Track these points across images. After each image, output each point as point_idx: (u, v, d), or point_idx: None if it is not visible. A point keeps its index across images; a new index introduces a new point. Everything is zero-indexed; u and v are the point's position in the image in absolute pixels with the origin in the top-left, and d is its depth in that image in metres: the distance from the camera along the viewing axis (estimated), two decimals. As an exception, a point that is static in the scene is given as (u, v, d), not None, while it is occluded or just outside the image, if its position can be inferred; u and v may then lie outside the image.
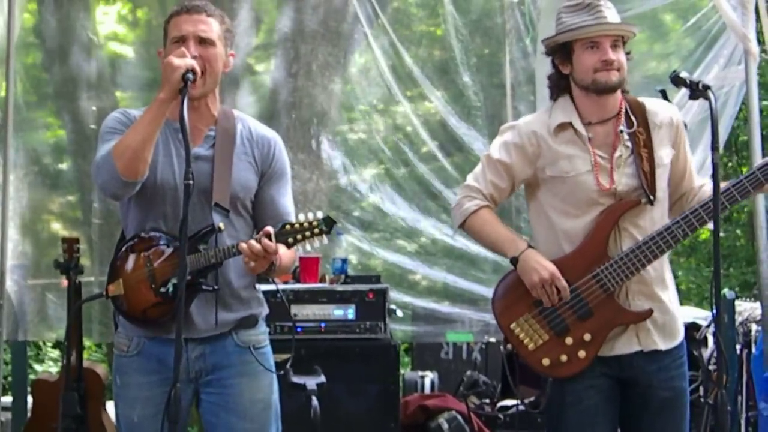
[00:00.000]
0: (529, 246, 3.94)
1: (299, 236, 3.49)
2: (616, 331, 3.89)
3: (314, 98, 7.78)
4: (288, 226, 3.50)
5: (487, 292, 7.24)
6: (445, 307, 7.39)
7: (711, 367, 5.44)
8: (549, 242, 3.98)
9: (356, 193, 7.74)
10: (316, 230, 3.49)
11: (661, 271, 3.97)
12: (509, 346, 3.97)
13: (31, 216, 7.47)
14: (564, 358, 3.89)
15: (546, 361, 3.90)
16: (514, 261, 3.92)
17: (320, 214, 3.51)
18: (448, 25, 7.46)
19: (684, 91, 4.11)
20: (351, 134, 8.04)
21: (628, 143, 3.92)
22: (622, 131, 3.93)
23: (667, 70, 6.57)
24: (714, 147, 3.65)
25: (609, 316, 3.87)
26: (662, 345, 3.93)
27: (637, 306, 3.90)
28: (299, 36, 7.77)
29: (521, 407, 5.91)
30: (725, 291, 6.41)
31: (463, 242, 7.46)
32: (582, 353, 3.87)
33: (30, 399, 6.22)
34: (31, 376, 7.50)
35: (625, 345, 3.90)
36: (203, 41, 3.65)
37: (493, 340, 7.17)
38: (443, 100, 7.51)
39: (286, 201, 3.83)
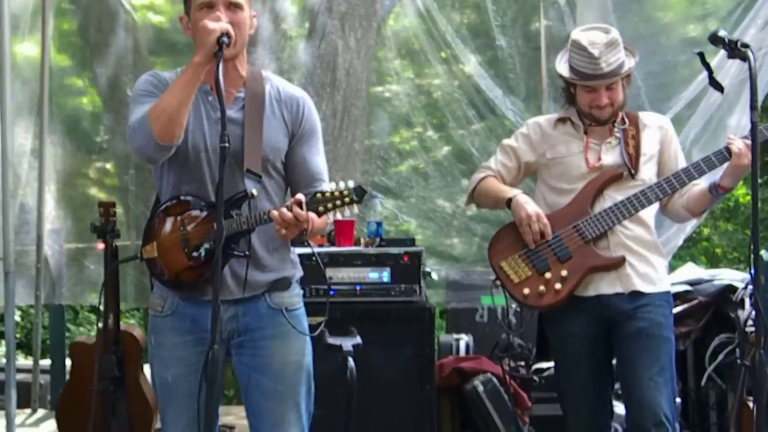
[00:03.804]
0: (524, 193, 4.60)
1: (330, 205, 3.50)
2: (599, 276, 4.48)
3: (348, 62, 7.75)
4: (318, 195, 3.50)
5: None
6: (479, 272, 7.38)
7: (748, 329, 5.41)
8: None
9: (389, 157, 7.73)
10: (347, 199, 3.49)
11: (642, 231, 4.54)
12: (497, 282, 4.59)
13: (67, 181, 7.52)
14: (542, 289, 4.49)
15: (526, 291, 4.51)
16: (509, 202, 4.58)
17: (351, 183, 3.51)
18: (483, -12, 7.41)
19: (722, 53, 4.13)
20: (384, 98, 8.02)
21: (618, 134, 4.58)
22: (614, 125, 4.58)
23: (704, 32, 6.49)
24: (753, 106, 3.65)
25: (585, 259, 4.47)
26: (642, 288, 4.47)
27: (616, 255, 4.49)
28: (332, 1, 7.74)
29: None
30: (762, 252, 6.38)
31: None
32: (558, 285, 4.47)
33: (68, 361, 6.27)
34: (69, 340, 7.55)
35: (608, 286, 4.48)
36: (232, 5, 3.65)
37: (528, 303, 7.15)
38: (478, 63, 7.47)
39: (318, 160, 3.83)
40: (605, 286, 4.48)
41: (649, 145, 4.59)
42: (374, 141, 7.85)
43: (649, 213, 4.59)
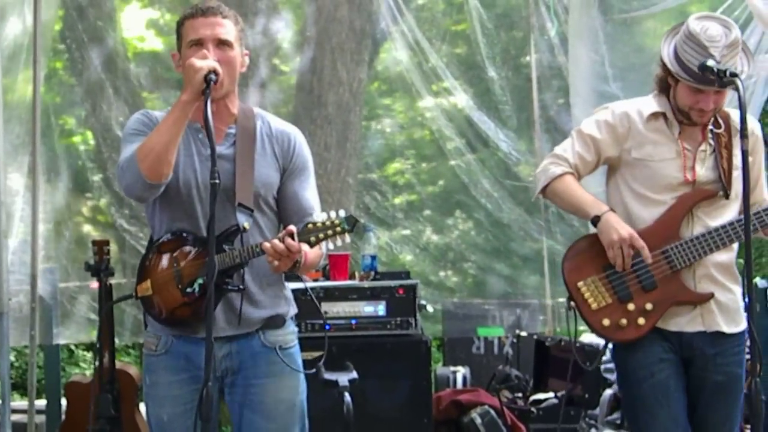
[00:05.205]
0: (612, 209, 4.11)
1: (321, 235, 3.49)
2: (681, 310, 4.07)
3: (340, 96, 7.78)
4: (310, 225, 3.50)
5: (516, 286, 7.24)
6: (474, 303, 7.37)
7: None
8: None
9: (383, 190, 7.74)
10: (338, 229, 3.49)
11: (727, 257, 4.12)
12: (572, 303, 4.13)
13: (61, 220, 7.50)
14: (624, 322, 4.06)
15: (606, 322, 4.07)
16: (596, 220, 4.09)
17: (342, 213, 3.50)
18: (473, 21, 7.44)
19: (713, 81, 4.11)
20: (377, 131, 8.04)
21: (712, 141, 4.09)
22: (710, 129, 4.09)
23: (695, 60, 6.51)
24: (743, 135, 3.64)
25: (672, 292, 4.05)
26: (726, 328, 4.09)
27: (702, 289, 4.07)
28: (324, 33, 7.77)
29: (555, 399, 5.94)
30: (757, 280, 6.38)
31: (490, 237, 7.45)
32: (641, 320, 4.05)
33: (64, 401, 6.24)
34: (64, 379, 7.53)
35: (689, 323, 4.07)
36: (221, 43, 3.65)
37: (524, 333, 7.17)
38: (469, 95, 7.49)
39: (309, 195, 3.82)
40: (686, 323, 4.07)
41: (740, 156, 3.90)
42: (367, 174, 7.86)
43: None
